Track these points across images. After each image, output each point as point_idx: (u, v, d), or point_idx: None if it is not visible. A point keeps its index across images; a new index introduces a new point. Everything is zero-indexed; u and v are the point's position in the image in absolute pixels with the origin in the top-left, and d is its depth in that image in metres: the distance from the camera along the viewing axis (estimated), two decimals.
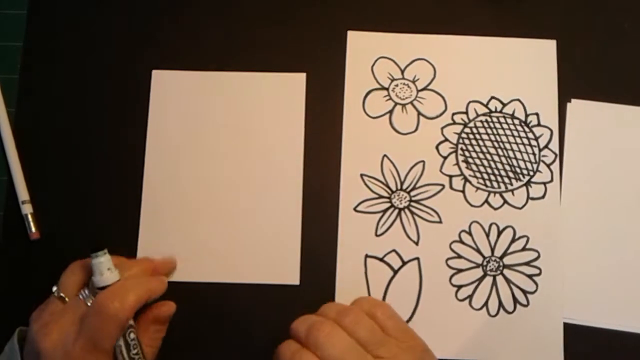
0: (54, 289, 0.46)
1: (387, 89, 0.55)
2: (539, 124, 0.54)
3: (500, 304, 0.51)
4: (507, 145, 0.54)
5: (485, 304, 0.51)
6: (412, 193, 0.53)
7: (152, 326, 0.47)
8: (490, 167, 0.53)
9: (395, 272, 0.52)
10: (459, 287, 0.51)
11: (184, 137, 0.54)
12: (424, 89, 0.55)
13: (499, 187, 0.53)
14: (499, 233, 0.52)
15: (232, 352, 0.50)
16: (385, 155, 0.53)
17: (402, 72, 0.55)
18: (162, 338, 0.48)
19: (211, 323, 0.51)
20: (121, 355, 0.43)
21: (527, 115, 0.54)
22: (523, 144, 0.54)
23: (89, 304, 0.44)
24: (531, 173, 0.53)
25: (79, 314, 0.43)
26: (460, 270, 0.52)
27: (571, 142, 0.54)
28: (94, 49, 0.55)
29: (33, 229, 0.51)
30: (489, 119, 0.54)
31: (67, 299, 0.45)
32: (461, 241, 0.52)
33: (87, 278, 0.46)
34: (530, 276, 0.51)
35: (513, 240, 0.52)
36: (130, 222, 0.52)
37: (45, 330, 0.43)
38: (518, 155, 0.53)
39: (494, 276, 0.51)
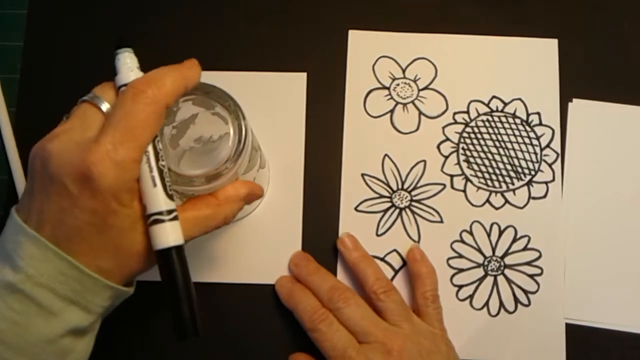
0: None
1: (388, 88, 0.55)
2: (540, 124, 0.54)
3: (501, 304, 0.51)
4: (509, 145, 0.53)
5: (486, 303, 0.51)
6: (413, 193, 0.53)
7: None
8: (491, 166, 0.53)
9: (396, 271, 0.51)
10: (460, 286, 0.51)
11: None
12: (425, 88, 0.55)
13: (500, 186, 0.53)
14: (500, 233, 0.52)
15: (232, 352, 0.50)
16: (386, 155, 0.53)
17: (403, 71, 0.55)
18: None
19: (211, 323, 0.51)
20: (148, 164, 0.36)
21: (528, 115, 0.54)
22: (524, 143, 0.53)
23: (103, 108, 0.36)
24: (532, 172, 0.53)
25: (92, 117, 0.36)
26: (461, 270, 0.51)
27: (573, 142, 0.53)
28: (94, 49, 0.55)
29: None
30: (490, 119, 0.54)
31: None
32: (462, 241, 0.52)
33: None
34: (531, 276, 0.51)
35: (514, 240, 0.52)
36: None
37: (50, 137, 0.35)
38: (519, 154, 0.53)
39: (495, 276, 0.51)
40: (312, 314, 0.47)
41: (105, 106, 0.36)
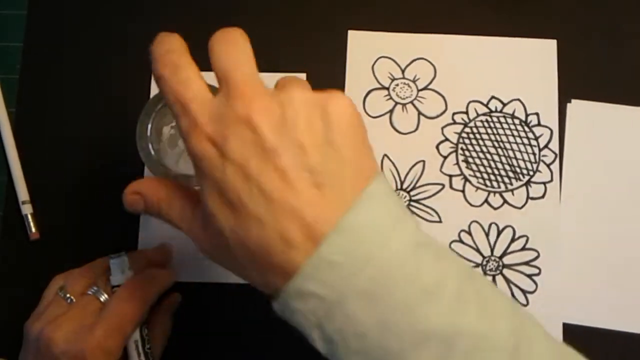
0: (58, 292, 0.46)
1: (387, 88, 0.55)
2: (539, 124, 0.54)
3: None
4: (507, 145, 0.54)
5: None
6: (412, 192, 0.53)
7: (163, 317, 0.49)
8: (490, 166, 0.53)
9: None
10: None
11: None
12: (425, 88, 0.55)
13: (499, 186, 0.53)
14: (499, 233, 0.52)
15: (231, 352, 0.50)
16: (385, 155, 0.53)
17: (403, 71, 0.55)
18: (170, 329, 0.49)
19: (210, 323, 0.51)
20: (136, 350, 0.45)
21: (527, 115, 0.54)
22: (523, 143, 0.54)
23: (101, 299, 0.45)
24: (531, 173, 0.53)
25: (92, 308, 0.45)
26: None
27: (571, 142, 0.53)
28: (94, 49, 0.55)
29: (33, 229, 0.51)
30: (489, 119, 0.54)
31: (74, 299, 0.46)
32: (461, 241, 0.52)
33: (95, 280, 0.47)
34: (529, 276, 0.51)
35: (513, 240, 0.52)
36: (130, 221, 0.52)
37: (54, 325, 0.43)
38: (518, 155, 0.53)
39: (494, 276, 0.51)
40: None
41: (103, 297, 0.45)
